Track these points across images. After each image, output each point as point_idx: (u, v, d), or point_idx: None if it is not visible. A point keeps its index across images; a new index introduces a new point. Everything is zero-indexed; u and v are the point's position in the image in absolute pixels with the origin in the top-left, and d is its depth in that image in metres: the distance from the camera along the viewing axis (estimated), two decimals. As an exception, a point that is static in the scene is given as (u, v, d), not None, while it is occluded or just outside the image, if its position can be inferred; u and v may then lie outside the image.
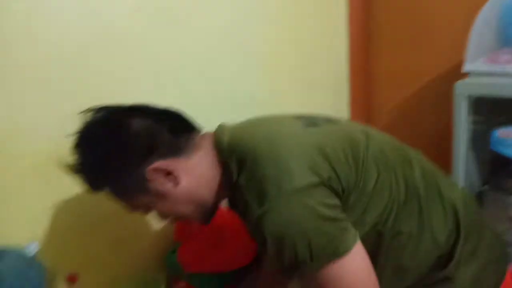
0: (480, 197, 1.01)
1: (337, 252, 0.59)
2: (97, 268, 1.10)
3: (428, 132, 1.40)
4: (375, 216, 0.65)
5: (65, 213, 1.05)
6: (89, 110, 0.71)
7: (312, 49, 1.48)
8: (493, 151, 0.96)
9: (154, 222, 1.18)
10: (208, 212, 0.75)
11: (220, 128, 0.73)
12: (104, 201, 1.08)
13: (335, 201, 0.61)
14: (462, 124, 0.99)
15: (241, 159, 0.65)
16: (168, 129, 0.69)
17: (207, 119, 0.79)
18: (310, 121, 0.70)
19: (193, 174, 0.69)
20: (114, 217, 1.11)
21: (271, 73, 1.35)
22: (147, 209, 0.72)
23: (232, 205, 0.74)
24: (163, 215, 0.75)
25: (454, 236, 0.69)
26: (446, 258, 0.68)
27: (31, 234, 0.97)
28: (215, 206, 0.75)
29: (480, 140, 1.03)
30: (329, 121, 0.73)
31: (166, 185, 0.68)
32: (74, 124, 0.71)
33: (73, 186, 1.02)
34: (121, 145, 0.67)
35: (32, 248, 0.91)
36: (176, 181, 0.68)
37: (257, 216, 0.60)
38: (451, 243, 0.68)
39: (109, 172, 0.68)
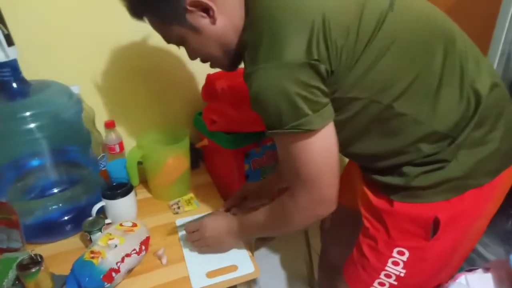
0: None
1: (302, 126, 0.62)
2: (132, 118, 1.22)
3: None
4: (370, 93, 0.65)
5: (109, 64, 1.14)
6: None
7: None
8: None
9: (188, 83, 1.25)
10: (233, 58, 0.76)
11: None
12: (146, 58, 1.15)
13: (317, 83, 0.62)
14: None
15: (251, 15, 0.67)
16: None
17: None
18: None
19: (227, 16, 0.69)
20: (153, 75, 1.20)
21: None
22: (179, 42, 0.75)
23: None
24: (193, 53, 0.76)
25: (465, 122, 0.67)
26: (448, 141, 0.67)
27: (75, 79, 1.07)
28: (238, 52, 0.74)
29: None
30: None
31: (202, 21, 0.68)
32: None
33: (119, 37, 1.10)
34: None
35: (75, 89, 1.01)
36: (213, 19, 0.69)
37: (246, 73, 0.64)
38: (459, 128, 0.67)
39: None
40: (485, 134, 0.68)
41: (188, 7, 0.66)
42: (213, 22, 0.69)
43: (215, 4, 0.67)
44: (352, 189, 0.92)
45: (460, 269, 0.78)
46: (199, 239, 0.89)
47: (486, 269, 0.75)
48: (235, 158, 1.11)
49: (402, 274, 0.73)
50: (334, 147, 0.67)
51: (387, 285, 0.75)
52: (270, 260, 1.53)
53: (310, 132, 0.63)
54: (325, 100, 0.64)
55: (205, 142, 1.16)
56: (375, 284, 0.76)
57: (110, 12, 1.03)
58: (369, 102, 0.66)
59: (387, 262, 0.74)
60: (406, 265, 0.73)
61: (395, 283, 0.74)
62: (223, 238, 0.88)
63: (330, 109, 0.66)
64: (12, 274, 0.78)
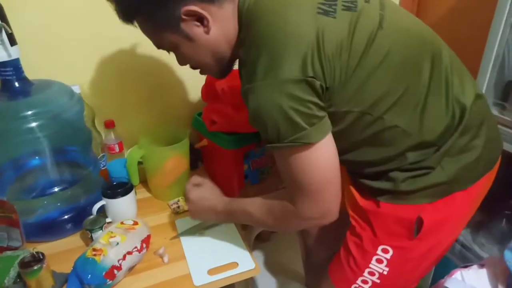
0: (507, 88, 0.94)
1: (300, 140, 0.63)
2: (132, 118, 1.23)
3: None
4: (362, 107, 0.67)
5: (109, 64, 1.14)
6: None
7: None
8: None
9: (187, 83, 1.26)
10: (224, 67, 0.78)
11: None
12: (146, 59, 1.16)
13: (313, 98, 0.63)
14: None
15: (247, 32, 0.67)
16: None
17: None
18: (329, 5, 0.65)
19: (221, 26, 0.70)
20: (153, 75, 1.20)
21: None
22: (171, 48, 0.75)
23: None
24: (184, 59, 0.77)
25: (451, 132, 0.70)
26: (434, 149, 0.70)
27: (75, 78, 1.08)
28: (230, 62, 0.78)
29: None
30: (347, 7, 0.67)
31: (196, 30, 0.69)
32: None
33: (119, 37, 1.10)
34: None
35: (75, 88, 1.01)
36: (207, 28, 0.69)
37: (243, 89, 0.65)
38: (444, 137, 0.69)
39: (146, 3, 0.67)
40: (468, 142, 0.71)
41: (183, 16, 0.67)
42: (207, 31, 0.70)
43: (209, 14, 0.68)
44: None
45: (455, 266, 0.80)
46: (186, 197, 0.90)
47: (481, 266, 0.77)
48: (235, 158, 1.12)
49: (385, 272, 0.75)
50: (334, 159, 0.68)
51: (370, 283, 0.77)
52: (267, 260, 1.54)
53: (308, 145, 0.64)
54: (322, 113, 0.66)
55: (205, 142, 1.17)
56: (358, 281, 0.78)
57: (112, 13, 1.04)
58: (361, 115, 0.68)
59: (371, 260, 0.76)
60: (389, 263, 0.75)
61: (378, 281, 0.76)
62: (204, 210, 0.88)
63: (327, 122, 0.67)
64: (13, 271, 0.79)
